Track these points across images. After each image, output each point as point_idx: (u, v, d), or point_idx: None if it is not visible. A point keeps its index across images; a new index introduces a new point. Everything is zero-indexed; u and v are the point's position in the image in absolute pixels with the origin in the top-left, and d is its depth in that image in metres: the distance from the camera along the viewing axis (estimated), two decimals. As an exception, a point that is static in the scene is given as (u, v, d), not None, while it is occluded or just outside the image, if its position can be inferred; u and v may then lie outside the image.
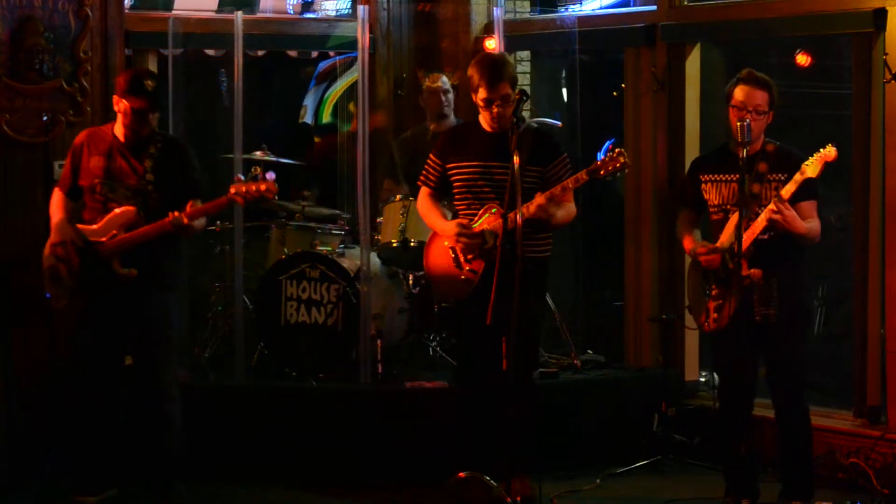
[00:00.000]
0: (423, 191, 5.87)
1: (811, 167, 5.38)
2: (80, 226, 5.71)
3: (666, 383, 6.87)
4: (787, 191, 5.39)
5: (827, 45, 7.28)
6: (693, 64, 7.18)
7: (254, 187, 5.63)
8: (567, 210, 5.67)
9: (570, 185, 5.50)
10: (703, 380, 7.15)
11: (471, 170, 5.65)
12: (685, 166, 7.05)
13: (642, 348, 7.31)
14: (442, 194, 5.85)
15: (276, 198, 7.37)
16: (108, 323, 5.72)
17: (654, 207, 7.22)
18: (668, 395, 6.82)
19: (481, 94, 5.59)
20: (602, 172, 5.51)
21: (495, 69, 5.58)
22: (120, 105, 5.67)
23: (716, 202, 5.64)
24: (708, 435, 6.55)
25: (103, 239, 5.63)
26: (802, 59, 6.89)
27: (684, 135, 7.15)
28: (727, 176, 5.59)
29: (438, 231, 5.79)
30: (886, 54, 6.19)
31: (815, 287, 7.74)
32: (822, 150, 5.38)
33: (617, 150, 5.50)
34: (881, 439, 6.23)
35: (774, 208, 5.36)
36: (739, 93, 5.51)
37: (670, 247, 7.07)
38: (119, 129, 5.73)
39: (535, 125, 5.75)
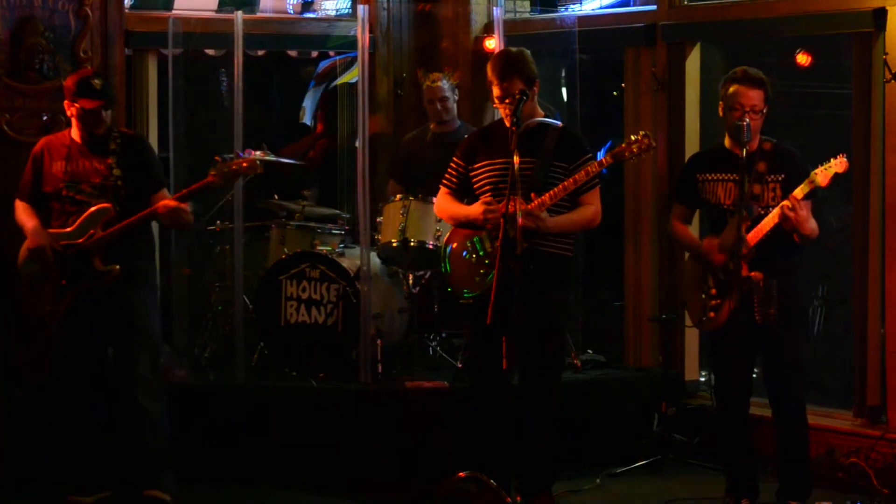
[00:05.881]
0: (442, 191, 5.80)
1: (821, 177, 5.35)
2: (52, 230, 5.72)
3: (666, 383, 6.87)
4: (801, 191, 5.36)
5: (827, 45, 7.28)
6: (693, 64, 7.18)
7: (233, 166, 5.65)
8: (580, 213, 5.57)
9: (571, 186, 5.46)
10: (703, 380, 7.15)
11: (496, 167, 5.59)
12: (685, 166, 7.08)
13: (642, 348, 7.31)
14: (460, 197, 5.78)
15: (276, 196, 7.47)
16: (89, 325, 5.74)
17: (654, 207, 7.22)
18: (668, 395, 6.82)
19: (494, 91, 5.54)
20: (626, 154, 5.49)
21: (505, 64, 5.52)
22: (72, 109, 5.70)
23: (713, 202, 5.63)
24: (708, 435, 6.55)
25: (80, 240, 5.65)
26: (802, 58, 6.89)
27: (684, 135, 7.15)
28: (726, 175, 5.58)
29: (464, 216, 5.65)
30: (886, 54, 6.19)
31: (815, 287, 7.75)
32: (833, 160, 5.36)
33: (642, 133, 5.48)
34: (881, 439, 6.22)
35: (790, 205, 5.34)
36: (735, 93, 5.49)
37: (670, 247, 7.07)
38: (75, 132, 5.76)
39: (561, 124, 5.71)
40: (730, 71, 5.61)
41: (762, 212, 5.48)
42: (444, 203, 5.80)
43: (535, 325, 5.49)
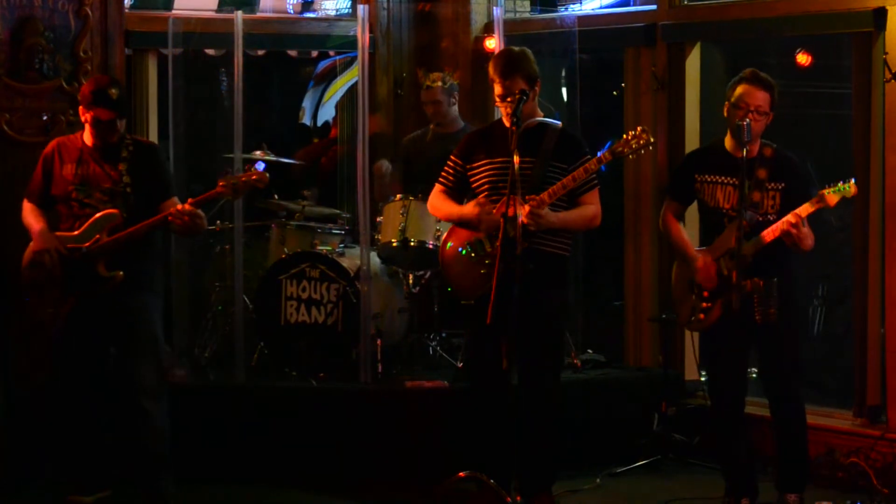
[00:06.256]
0: (437, 189, 5.80)
1: (830, 198, 5.35)
2: (59, 233, 5.72)
3: (666, 383, 6.87)
4: (806, 210, 5.36)
5: (827, 44, 7.28)
6: (693, 64, 7.18)
7: (243, 178, 5.65)
8: (581, 212, 5.58)
9: (570, 184, 5.46)
10: (703, 380, 7.13)
11: (496, 166, 5.59)
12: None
13: (642, 348, 7.31)
14: (456, 196, 5.78)
15: (276, 196, 7.47)
16: (90, 327, 5.74)
17: (654, 207, 7.20)
18: (668, 394, 6.82)
19: (496, 89, 5.55)
20: (625, 150, 5.47)
21: (508, 63, 5.54)
22: (86, 115, 5.68)
23: (712, 205, 5.62)
24: (708, 434, 6.54)
25: (86, 244, 5.64)
26: (802, 58, 6.90)
27: (684, 135, 7.15)
28: (725, 178, 5.56)
29: (458, 215, 5.68)
30: (886, 54, 6.19)
31: (815, 287, 7.75)
32: (842, 184, 5.36)
33: (640, 128, 5.48)
34: (881, 439, 6.23)
35: (793, 222, 5.34)
36: (741, 92, 5.49)
37: (670, 246, 7.06)
38: (88, 137, 5.75)
39: (560, 124, 5.71)
40: (735, 72, 5.60)
41: (760, 219, 5.47)
42: (437, 201, 5.80)
43: (535, 324, 5.49)
